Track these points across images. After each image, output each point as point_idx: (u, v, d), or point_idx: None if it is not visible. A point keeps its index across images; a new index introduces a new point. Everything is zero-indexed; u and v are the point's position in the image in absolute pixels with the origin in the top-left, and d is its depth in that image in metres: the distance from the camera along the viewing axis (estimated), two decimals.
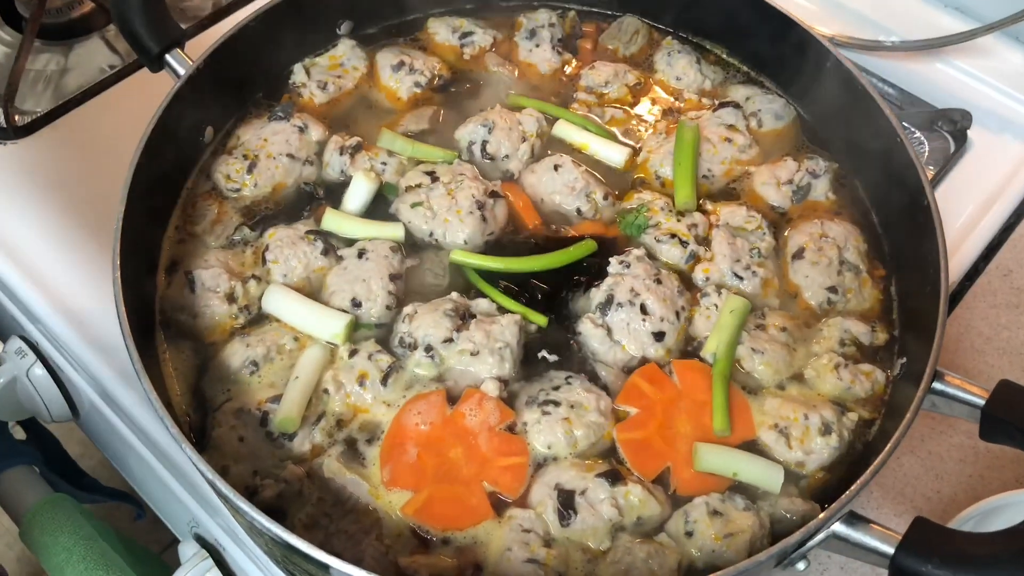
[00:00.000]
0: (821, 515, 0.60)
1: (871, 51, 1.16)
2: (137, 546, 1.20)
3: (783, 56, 0.90)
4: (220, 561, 0.92)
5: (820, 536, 0.62)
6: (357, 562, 0.59)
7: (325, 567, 0.58)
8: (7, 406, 1.05)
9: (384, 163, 0.85)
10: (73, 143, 1.03)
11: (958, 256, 1.01)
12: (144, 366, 0.65)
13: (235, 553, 0.89)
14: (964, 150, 1.09)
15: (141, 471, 1.01)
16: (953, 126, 1.10)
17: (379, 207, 0.83)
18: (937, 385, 0.67)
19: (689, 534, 0.67)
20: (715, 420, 0.71)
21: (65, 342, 0.94)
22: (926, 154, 1.09)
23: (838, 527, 0.61)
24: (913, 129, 1.10)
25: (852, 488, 0.61)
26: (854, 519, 0.62)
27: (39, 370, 1.02)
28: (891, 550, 0.59)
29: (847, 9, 1.19)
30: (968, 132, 1.09)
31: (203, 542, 0.93)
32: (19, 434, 1.27)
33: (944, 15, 1.19)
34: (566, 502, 0.67)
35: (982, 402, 0.65)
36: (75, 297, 0.93)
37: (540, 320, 0.77)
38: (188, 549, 0.93)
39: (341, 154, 0.85)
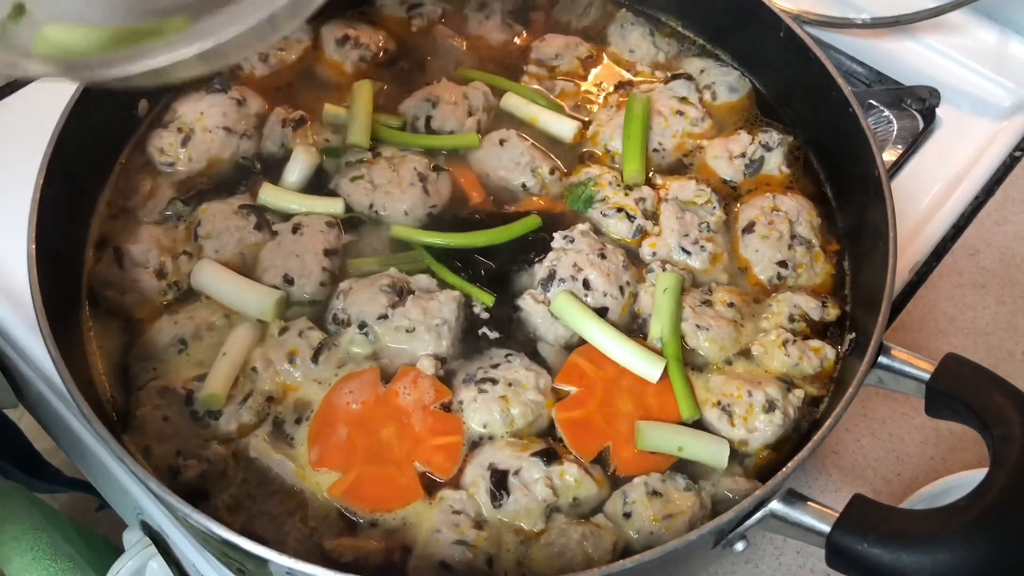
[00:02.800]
0: (757, 492, 0.58)
1: (840, 28, 1.13)
2: (94, 536, 1.18)
3: (738, 28, 0.88)
4: (165, 549, 0.90)
5: (758, 515, 0.59)
6: (280, 544, 0.57)
7: (242, 551, 0.55)
8: None
9: (327, 140, 0.83)
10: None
11: (925, 235, 0.99)
12: (60, 343, 0.63)
13: (179, 540, 0.86)
14: (933, 128, 1.07)
15: (87, 457, 0.99)
16: (921, 104, 1.08)
17: (320, 183, 0.81)
18: (883, 359, 0.64)
19: (627, 515, 0.64)
20: (681, 408, 0.69)
21: (4, 325, 0.91)
22: (894, 132, 1.07)
23: (776, 505, 0.59)
24: (882, 107, 1.08)
25: (789, 465, 0.59)
26: (792, 497, 0.59)
27: None
28: (827, 528, 0.56)
29: None
30: (936, 110, 1.07)
31: (148, 529, 0.91)
32: None
33: None
34: (499, 482, 0.65)
35: (927, 376, 0.63)
36: (13, 279, 0.91)
37: (486, 299, 0.74)
38: (132, 536, 0.91)
39: (283, 127, 0.82)
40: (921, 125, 1.06)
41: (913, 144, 1.05)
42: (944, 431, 0.90)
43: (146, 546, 0.90)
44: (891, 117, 1.08)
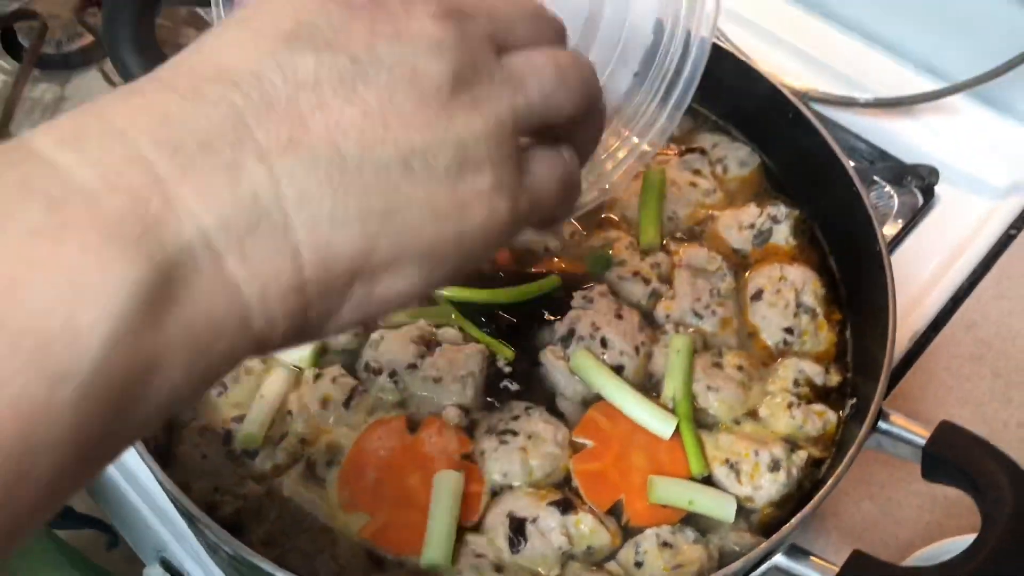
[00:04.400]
0: (762, 545, 0.62)
1: (845, 107, 1.20)
2: (107, 574, 1.20)
3: (750, 108, 0.93)
4: None
5: (763, 568, 0.63)
6: None
7: None
8: None
9: None
10: None
11: (923, 307, 1.03)
12: None
13: None
14: (931, 205, 1.12)
15: (110, 493, 1.02)
16: (921, 181, 1.13)
17: None
18: (882, 424, 0.69)
19: (639, 564, 0.68)
20: (692, 464, 0.73)
21: None
22: (895, 208, 1.13)
23: (780, 559, 0.63)
24: (883, 183, 1.14)
25: (793, 520, 0.62)
26: (795, 552, 0.63)
27: None
28: None
29: (823, 66, 1.23)
30: (935, 188, 1.12)
31: (168, 566, 0.94)
32: None
33: (916, 75, 1.24)
34: (517, 529, 0.69)
35: (923, 441, 0.67)
36: None
37: (507, 353, 0.79)
38: (153, 573, 0.94)
39: None
40: (921, 201, 1.12)
41: (913, 219, 1.10)
42: (940, 497, 0.93)
43: None
44: (892, 193, 1.14)
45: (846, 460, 0.65)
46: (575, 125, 0.46)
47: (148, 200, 0.32)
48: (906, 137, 1.17)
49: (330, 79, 0.37)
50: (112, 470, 0.96)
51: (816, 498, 0.63)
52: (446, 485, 0.68)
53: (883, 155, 1.18)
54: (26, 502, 0.29)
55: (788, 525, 0.62)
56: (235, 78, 0.37)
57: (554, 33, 0.46)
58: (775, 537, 0.61)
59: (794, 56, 1.24)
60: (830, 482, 0.64)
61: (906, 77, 1.24)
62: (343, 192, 0.36)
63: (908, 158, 1.15)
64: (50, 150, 0.32)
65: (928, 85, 1.21)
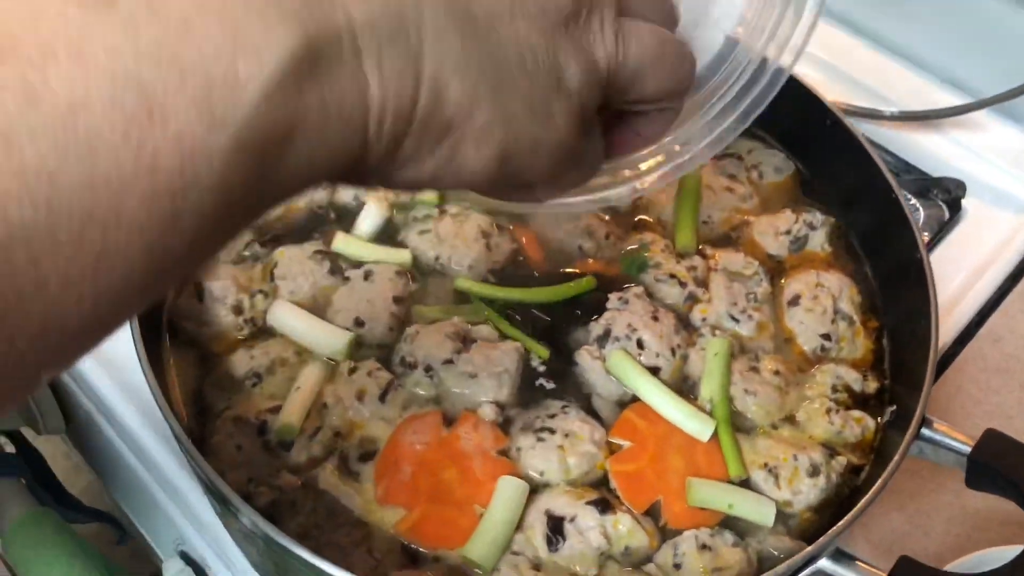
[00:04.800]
0: (808, 548, 0.61)
1: (870, 119, 1.20)
2: (118, 568, 1.19)
3: (787, 114, 0.93)
4: None
5: (806, 572, 0.62)
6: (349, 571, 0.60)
7: (325, 575, 0.58)
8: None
9: (396, 194, 0.88)
10: None
11: (950, 321, 1.03)
12: (152, 367, 0.66)
13: (220, 572, 0.89)
14: (958, 219, 1.12)
15: (130, 486, 1.01)
16: (948, 195, 1.13)
17: (388, 234, 0.86)
18: (925, 431, 0.68)
19: (677, 566, 0.67)
20: (730, 467, 0.72)
21: None
22: (921, 220, 1.12)
23: (824, 563, 0.62)
24: (909, 196, 1.14)
25: (840, 523, 0.62)
26: (840, 556, 0.62)
27: None
28: None
29: (848, 78, 1.23)
30: (962, 201, 1.12)
31: (188, 560, 0.93)
32: (6, 448, 1.27)
33: (941, 89, 1.24)
34: (555, 528, 0.68)
35: (968, 449, 0.66)
36: None
37: (542, 352, 0.78)
38: (173, 565, 0.93)
39: None
40: (947, 215, 1.11)
41: (940, 232, 1.10)
42: (970, 510, 0.92)
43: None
44: (918, 205, 1.14)
45: (892, 465, 0.64)
46: (647, 108, 0.47)
47: None
48: (931, 150, 1.17)
49: None
50: (134, 460, 0.95)
51: (863, 501, 0.62)
52: (511, 492, 0.68)
53: (908, 168, 1.18)
54: (173, 247, 0.31)
55: (834, 529, 0.61)
56: None
57: (668, 16, 0.47)
58: (821, 540, 0.61)
59: (819, 68, 1.24)
60: (877, 485, 0.63)
61: (931, 91, 1.24)
62: (471, 46, 0.37)
63: (934, 171, 1.15)
64: None
65: (953, 99, 1.21)
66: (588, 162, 0.48)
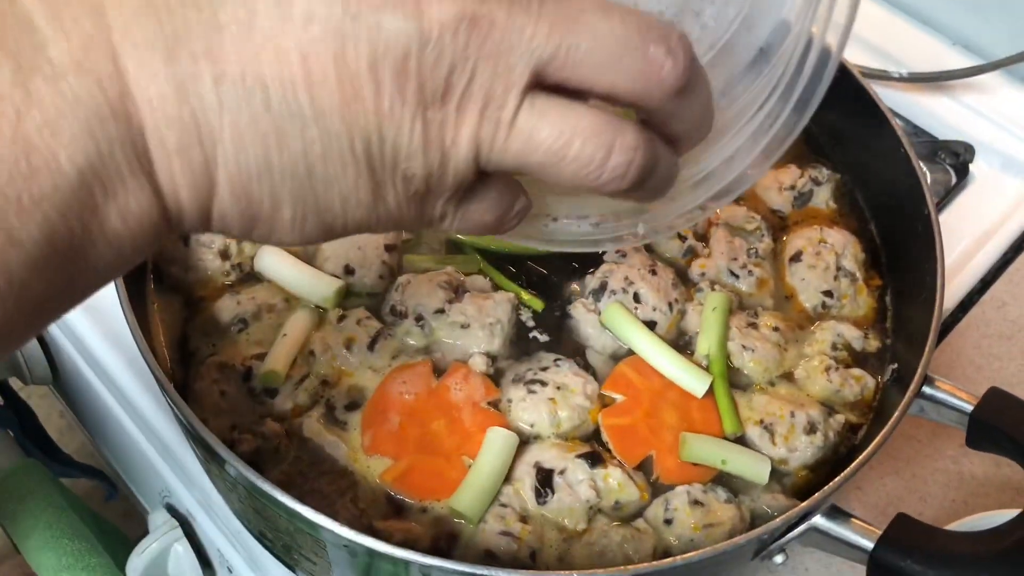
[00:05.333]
0: (803, 504, 0.59)
1: (878, 80, 1.17)
2: (106, 522, 1.18)
3: None
4: (189, 532, 0.91)
5: (801, 527, 0.61)
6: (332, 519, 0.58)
7: (307, 522, 0.57)
8: None
9: None
10: None
11: (954, 286, 1.01)
12: (134, 312, 0.64)
13: (205, 524, 0.88)
14: (965, 183, 1.10)
15: (117, 438, 1.00)
16: (955, 159, 1.11)
17: None
18: (927, 389, 0.66)
19: (668, 522, 0.66)
20: (725, 423, 0.70)
21: None
22: (928, 184, 1.10)
23: (819, 520, 0.60)
24: (916, 158, 1.11)
25: (836, 480, 0.60)
26: (835, 513, 0.61)
27: None
28: (871, 544, 0.58)
29: (857, 38, 1.20)
30: (970, 166, 1.10)
31: (174, 512, 0.92)
32: None
33: (951, 51, 1.21)
34: (544, 480, 0.66)
35: (970, 408, 0.65)
36: None
37: (536, 304, 0.76)
38: (158, 518, 0.92)
39: None
40: (954, 179, 1.09)
41: (946, 197, 1.08)
42: (967, 475, 0.91)
43: (172, 528, 0.91)
44: (925, 169, 1.11)
45: (892, 421, 0.62)
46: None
47: (106, 91, 0.34)
48: (940, 113, 1.15)
49: (325, 24, 0.35)
50: (120, 410, 0.94)
51: (860, 458, 0.61)
52: (499, 444, 0.66)
53: (916, 130, 1.15)
54: None
55: (830, 485, 0.60)
56: None
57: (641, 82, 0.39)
58: (816, 496, 0.59)
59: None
60: (876, 441, 0.61)
61: (941, 52, 1.21)
62: (275, 152, 0.37)
63: (942, 134, 1.13)
64: (34, 8, 0.34)
65: (963, 61, 1.18)
66: (498, 222, 0.44)
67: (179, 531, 0.90)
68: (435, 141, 0.38)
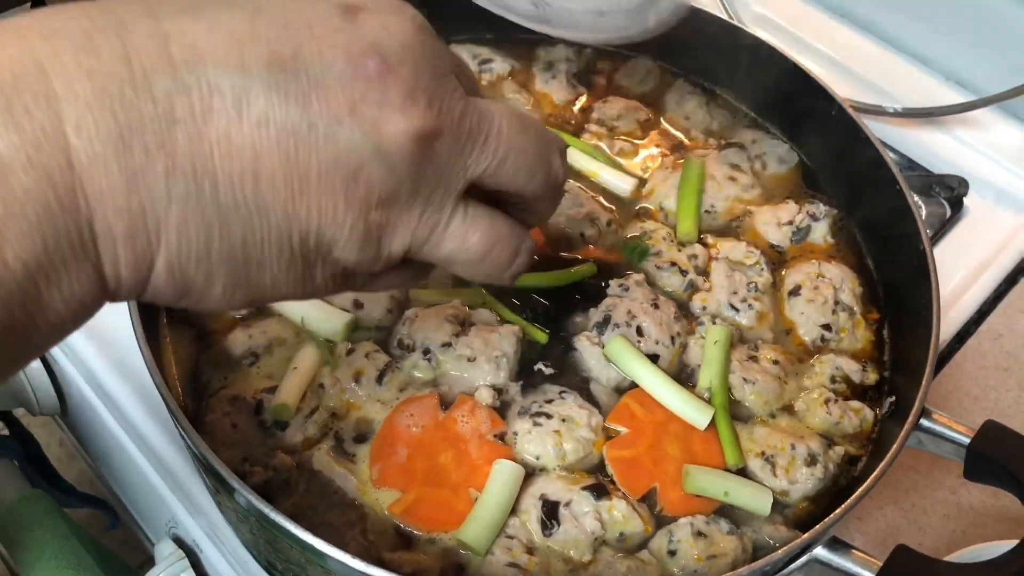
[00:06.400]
0: (805, 535, 0.61)
1: (872, 115, 1.19)
2: (110, 554, 1.18)
3: (790, 105, 0.93)
4: (196, 563, 0.91)
5: (803, 559, 0.62)
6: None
7: (319, 554, 0.58)
8: None
9: None
10: None
11: (950, 318, 1.03)
12: (149, 347, 0.66)
13: (212, 555, 0.88)
14: (959, 216, 1.12)
15: (124, 468, 1.01)
16: (950, 192, 1.13)
17: None
18: (924, 422, 0.68)
19: (672, 553, 0.67)
20: (727, 455, 0.72)
21: None
22: (923, 217, 1.12)
23: (820, 551, 0.62)
24: (911, 193, 1.13)
25: (836, 512, 0.61)
26: (836, 544, 0.62)
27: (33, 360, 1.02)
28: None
29: (851, 73, 1.23)
30: (964, 199, 1.12)
31: (180, 543, 0.93)
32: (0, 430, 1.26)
33: (944, 87, 1.24)
34: (550, 512, 0.67)
35: (967, 440, 0.66)
36: None
37: (541, 337, 0.78)
38: (165, 548, 0.92)
39: None
40: (948, 212, 1.11)
41: (941, 230, 1.10)
42: (965, 506, 0.92)
43: (179, 559, 0.91)
44: (919, 202, 1.13)
45: (891, 453, 0.64)
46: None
47: (56, 186, 0.35)
48: (934, 148, 1.17)
49: (280, 127, 0.38)
50: (127, 441, 0.95)
51: (860, 490, 0.62)
52: (506, 476, 0.67)
53: (911, 164, 1.17)
54: None
55: (831, 517, 0.61)
56: (198, 77, 0.37)
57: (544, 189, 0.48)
58: (817, 528, 0.60)
59: (823, 62, 1.23)
60: (874, 475, 0.63)
61: (934, 88, 1.24)
62: (215, 238, 0.39)
63: (936, 168, 1.15)
64: None
65: (956, 97, 1.21)
66: (413, 278, 0.51)
67: (186, 562, 0.90)
68: (373, 238, 0.43)
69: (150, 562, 0.94)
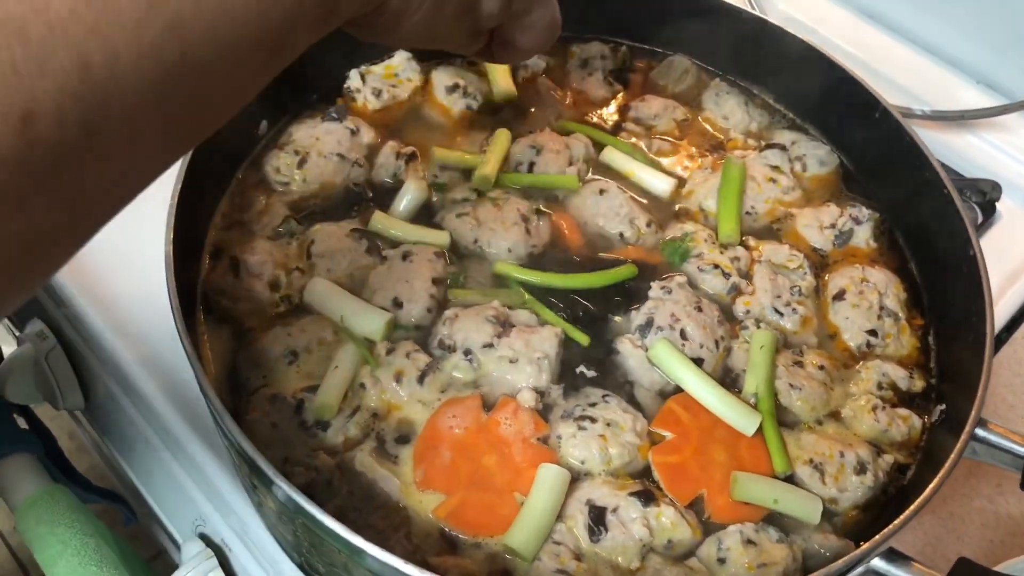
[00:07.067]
0: (864, 546, 0.59)
1: (903, 118, 1.18)
2: (130, 550, 1.17)
3: (832, 106, 0.92)
4: (224, 562, 0.90)
5: (859, 570, 0.61)
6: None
7: (368, 557, 0.57)
8: (22, 389, 1.04)
9: (435, 175, 0.86)
10: None
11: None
12: (192, 345, 0.64)
13: (241, 554, 0.87)
14: (992, 221, 1.11)
15: (149, 465, 0.99)
16: (982, 197, 1.12)
17: (426, 215, 0.84)
18: (979, 432, 0.67)
19: (721, 561, 0.66)
20: (775, 462, 0.70)
21: (89, 327, 0.93)
22: (973, 225, 1.11)
23: (878, 562, 0.61)
24: (959, 197, 1.12)
25: (896, 522, 0.60)
26: (894, 556, 0.61)
27: (58, 354, 1.01)
28: None
29: (881, 76, 1.22)
30: (997, 204, 1.11)
31: (208, 541, 0.91)
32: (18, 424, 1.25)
33: (975, 90, 1.23)
34: (597, 518, 0.66)
35: None
36: (102, 282, 0.93)
37: (582, 339, 0.77)
38: (192, 548, 0.91)
39: (396, 159, 0.85)
40: (981, 217, 1.10)
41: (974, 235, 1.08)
42: (1003, 515, 0.91)
43: (207, 558, 0.90)
44: (968, 208, 1.12)
45: (948, 463, 0.62)
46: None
47: None
48: (964, 151, 1.16)
49: None
50: (155, 438, 0.93)
51: (921, 498, 0.61)
52: (552, 480, 0.66)
53: (942, 168, 1.16)
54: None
55: (890, 527, 0.60)
56: None
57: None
58: (876, 538, 0.59)
59: (853, 64, 1.21)
60: (932, 486, 0.62)
61: (964, 91, 1.23)
62: None
63: (967, 172, 1.14)
64: None
65: (987, 101, 1.20)
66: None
67: (214, 560, 0.89)
68: None
69: (160, 556, 0.92)
